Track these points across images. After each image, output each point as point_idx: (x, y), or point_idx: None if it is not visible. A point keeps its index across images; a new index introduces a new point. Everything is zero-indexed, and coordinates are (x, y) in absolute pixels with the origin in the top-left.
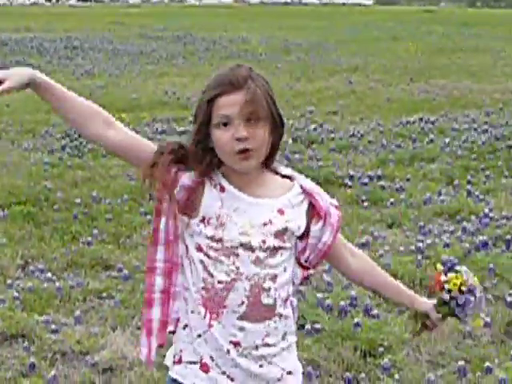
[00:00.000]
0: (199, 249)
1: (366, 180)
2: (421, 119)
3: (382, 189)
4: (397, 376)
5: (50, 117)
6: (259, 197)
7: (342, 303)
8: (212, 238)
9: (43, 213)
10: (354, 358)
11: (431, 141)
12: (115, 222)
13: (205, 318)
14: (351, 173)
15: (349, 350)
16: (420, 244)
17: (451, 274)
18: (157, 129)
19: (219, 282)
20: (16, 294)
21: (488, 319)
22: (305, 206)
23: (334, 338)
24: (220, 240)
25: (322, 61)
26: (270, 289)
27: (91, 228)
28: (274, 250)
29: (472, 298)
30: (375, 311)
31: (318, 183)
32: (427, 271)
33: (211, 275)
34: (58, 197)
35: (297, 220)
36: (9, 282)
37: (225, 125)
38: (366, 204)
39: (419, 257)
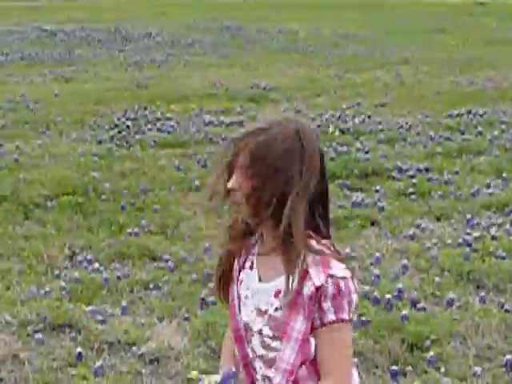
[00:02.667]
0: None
1: (414, 172)
2: (469, 111)
3: (430, 181)
4: (443, 369)
5: (99, 108)
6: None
7: (389, 296)
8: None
9: (91, 203)
10: (401, 351)
11: (480, 133)
12: (162, 213)
13: None
14: (399, 165)
15: (395, 343)
16: (468, 237)
17: None
18: (204, 120)
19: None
20: (63, 285)
21: None
22: None
23: (380, 331)
24: (237, 322)
25: (371, 53)
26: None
27: (139, 219)
28: (269, 339)
29: None
30: (422, 304)
31: (366, 175)
32: (475, 264)
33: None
34: (105, 188)
35: None
36: (56, 272)
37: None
38: (413, 196)
39: (467, 250)
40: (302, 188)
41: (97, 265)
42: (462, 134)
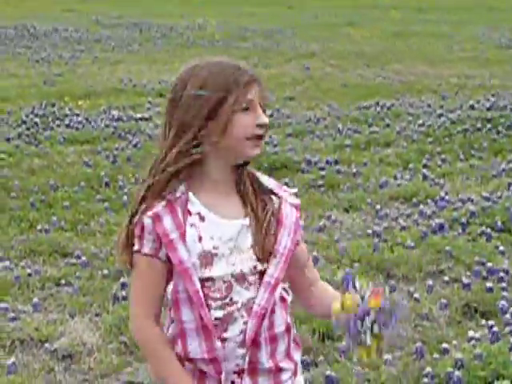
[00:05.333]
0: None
1: (323, 165)
2: (377, 104)
3: (339, 173)
4: (354, 358)
5: (6, 105)
6: (230, 217)
7: None
8: (200, 280)
9: (0, 201)
10: (313, 342)
11: (387, 125)
12: (73, 210)
13: None
14: (308, 158)
15: (307, 333)
16: (377, 228)
17: (347, 295)
18: (113, 116)
19: (216, 319)
20: None
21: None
22: None
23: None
24: (211, 279)
25: (279, 47)
26: (256, 312)
27: (49, 215)
28: (260, 272)
29: (393, 320)
30: None
31: (275, 168)
32: (384, 254)
33: (209, 313)
34: (15, 185)
35: None
36: None
37: (245, 109)
38: (322, 189)
39: (376, 240)
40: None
41: (7, 262)
42: (370, 126)
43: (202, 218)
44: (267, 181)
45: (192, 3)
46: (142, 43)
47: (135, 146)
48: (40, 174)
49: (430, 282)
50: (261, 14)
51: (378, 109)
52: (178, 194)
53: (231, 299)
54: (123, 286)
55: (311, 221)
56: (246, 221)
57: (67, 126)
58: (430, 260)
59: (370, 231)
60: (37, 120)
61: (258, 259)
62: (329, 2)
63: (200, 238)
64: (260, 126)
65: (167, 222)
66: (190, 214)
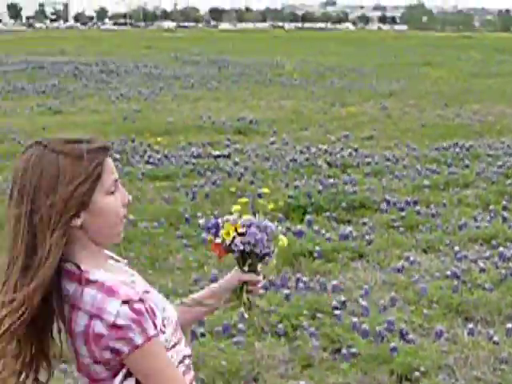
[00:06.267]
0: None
1: (402, 205)
2: (456, 144)
3: (418, 214)
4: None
5: None
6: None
7: (378, 328)
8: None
9: None
10: (390, 383)
11: (466, 166)
12: (151, 246)
13: None
14: (387, 198)
15: (385, 375)
16: (456, 269)
17: (221, 231)
18: (192, 153)
19: (185, 357)
20: None
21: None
22: None
23: (369, 363)
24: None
25: (357, 86)
26: None
27: (127, 251)
28: None
29: (254, 229)
30: (411, 336)
31: (354, 208)
32: (463, 296)
33: (182, 357)
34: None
35: None
36: None
37: (112, 192)
38: (401, 229)
39: (455, 282)
40: None
41: None
42: (449, 166)
43: (147, 292)
44: None
45: (271, 41)
46: (221, 80)
47: (214, 183)
48: None
49: (510, 325)
50: (339, 53)
51: (457, 149)
52: (120, 278)
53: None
54: (200, 323)
55: (389, 261)
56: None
57: (147, 162)
58: (509, 303)
59: (448, 273)
60: (116, 156)
61: None
62: (407, 42)
63: (156, 305)
64: (125, 204)
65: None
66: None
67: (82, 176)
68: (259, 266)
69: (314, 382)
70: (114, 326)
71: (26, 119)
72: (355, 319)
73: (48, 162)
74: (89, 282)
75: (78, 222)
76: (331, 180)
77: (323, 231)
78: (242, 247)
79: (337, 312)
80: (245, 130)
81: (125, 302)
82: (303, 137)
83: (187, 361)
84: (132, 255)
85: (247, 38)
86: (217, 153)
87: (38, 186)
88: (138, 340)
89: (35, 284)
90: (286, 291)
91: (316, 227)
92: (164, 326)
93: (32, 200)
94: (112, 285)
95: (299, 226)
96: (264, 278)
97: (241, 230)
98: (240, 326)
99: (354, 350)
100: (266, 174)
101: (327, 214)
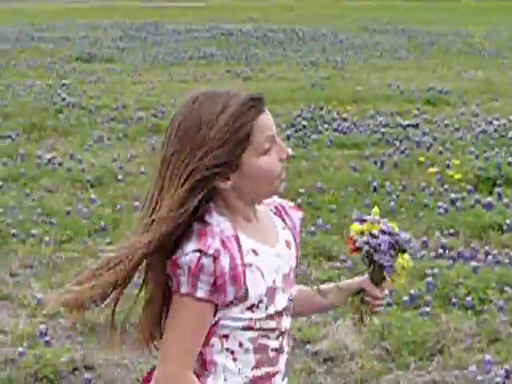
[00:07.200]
0: (248, 328)
1: None
2: None
3: None
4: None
5: (275, 107)
6: (272, 244)
7: None
8: (264, 318)
9: None
10: None
11: None
12: (339, 213)
13: None
14: None
15: None
16: None
17: (360, 226)
18: (380, 122)
19: (272, 350)
20: None
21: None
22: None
23: None
24: (273, 313)
25: None
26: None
27: (315, 218)
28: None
29: (386, 237)
30: None
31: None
32: None
33: (264, 347)
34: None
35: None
36: None
37: (267, 150)
38: None
39: None
40: None
41: None
42: None
43: (255, 253)
44: None
45: (460, 11)
46: (410, 50)
47: (402, 152)
48: (307, 176)
49: None
50: None
51: None
52: (226, 232)
53: (282, 330)
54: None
55: None
56: (281, 245)
57: (335, 130)
58: None
59: None
60: (305, 123)
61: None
62: None
63: (263, 275)
64: (283, 159)
65: (225, 262)
66: (243, 251)
67: (225, 136)
68: (384, 282)
69: (500, 356)
70: (175, 262)
71: (216, 85)
72: None
73: (195, 115)
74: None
75: (227, 184)
76: None
77: None
78: (363, 247)
79: None
80: (434, 100)
81: (197, 251)
82: (494, 108)
83: (272, 353)
84: (319, 222)
85: (434, 7)
86: (406, 122)
87: (181, 136)
88: (183, 288)
89: (149, 236)
90: (475, 263)
91: (506, 200)
92: (260, 301)
93: (174, 148)
94: (208, 231)
95: (488, 198)
96: (386, 295)
97: (374, 232)
98: (427, 297)
99: None
100: (456, 145)
101: None
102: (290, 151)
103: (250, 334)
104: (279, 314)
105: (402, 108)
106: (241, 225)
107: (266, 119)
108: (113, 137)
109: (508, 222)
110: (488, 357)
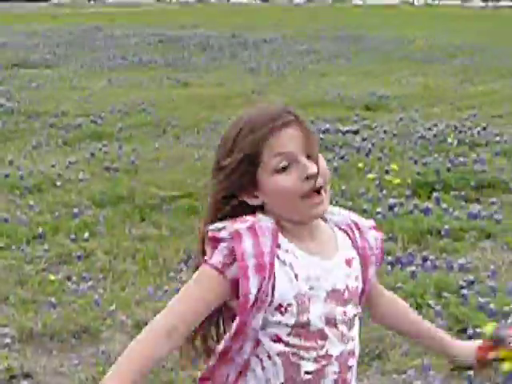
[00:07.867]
0: (277, 340)
1: None
2: None
3: None
4: None
5: (212, 113)
6: (327, 256)
7: (506, 308)
8: (294, 326)
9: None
10: None
11: None
12: None
13: None
14: None
15: None
16: None
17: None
18: (320, 128)
19: (306, 373)
20: (179, 286)
21: None
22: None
23: None
24: (306, 324)
25: (488, 64)
26: (352, 366)
27: None
28: (353, 318)
29: None
30: None
31: (482, 187)
32: None
33: (296, 367)
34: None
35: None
36: (171, 274)
37: (284, 169)
38: None
39: None
40: None
41: None
42: None
43: (294, 255)
44: (339, 211)
45: (401, 17)
46: (350, 56)
47: (342, 158)
48: None
49: None
50: (467, 31)
51: None
52: (262, 223)
53: (324, 353)
54: None
55: None
56: (337, 260)
57: None
58: None
59: None
60: None
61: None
62: None
63: (296, 277)
64: (309, 177)
65: (248, 244)
66: (280, 247)
67: (237, 153)
68: None
69: (438, 360)
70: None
71: (156, 91)
72: (482, 300)
73: (224, 133)
74: None
75: (255, 201)
76: (460, 158)
77: (451, 209)
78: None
79: (463, 291)
80: (374, 106)
81: (223, 228)
82: (433, 113)
83: (306, 376)
84: None
85: (376, 13)
86: (345, 128)
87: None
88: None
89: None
90: (412, 268)
91: (444, 205)
92: (289, 304)
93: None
94: (245, 217)
95: (427, 204)
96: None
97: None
98: None
99: (480, 330)
100: (395, 151)
101: (455, 192)
102: (313, 169)
103: (280, 347)
104: (321, 333)
105: (341, 114)
106: (286, 229)
107: (284, 137)
108: (52, 143)
109: (446, 227)
110: (426, 361)
